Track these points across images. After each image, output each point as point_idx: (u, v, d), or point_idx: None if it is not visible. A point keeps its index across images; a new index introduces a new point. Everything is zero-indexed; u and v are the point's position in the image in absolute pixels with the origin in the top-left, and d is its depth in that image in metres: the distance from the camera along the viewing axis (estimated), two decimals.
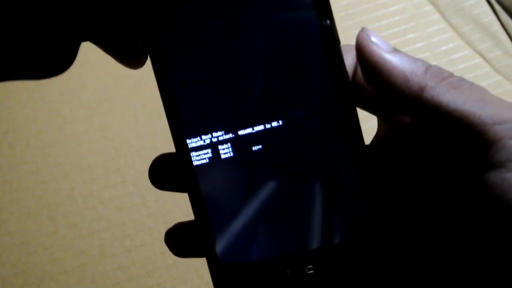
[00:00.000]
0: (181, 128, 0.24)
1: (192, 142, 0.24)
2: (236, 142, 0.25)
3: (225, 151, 0.25)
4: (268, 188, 0.25)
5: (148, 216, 0.46)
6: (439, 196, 0.22)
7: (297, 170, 0.25)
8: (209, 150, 0.25)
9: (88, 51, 0.46)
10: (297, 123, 0.25)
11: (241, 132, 0.25)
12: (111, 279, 0.44)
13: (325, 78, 0.24)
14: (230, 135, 0.25)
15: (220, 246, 0.25)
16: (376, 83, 0.21)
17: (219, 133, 0.24)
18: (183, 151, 0.24)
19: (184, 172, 0.25)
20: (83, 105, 0.46)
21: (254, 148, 0.25)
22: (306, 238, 0.25)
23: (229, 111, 0.24)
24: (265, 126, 0.25)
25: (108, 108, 0.46)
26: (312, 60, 0.24)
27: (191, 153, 0.24)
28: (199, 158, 0.25)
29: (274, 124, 0.25)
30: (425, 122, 0.21)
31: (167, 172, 0.25)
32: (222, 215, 0.25)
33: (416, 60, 0.20)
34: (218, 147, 0.25)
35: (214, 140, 0.24)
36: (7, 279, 0.44)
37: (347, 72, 0.23)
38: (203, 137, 0.24)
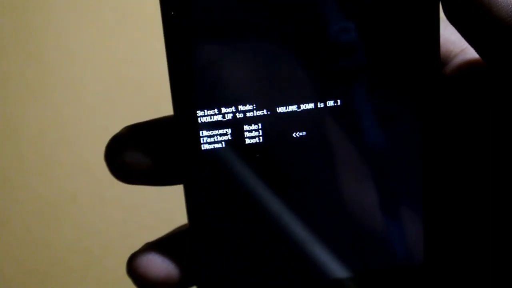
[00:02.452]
0: (190, 92, 0.16)
1: (205, 116, 0.16)
2: (271, 123, 0.17)
3: (253, 134, 0.17)
4: (309, 195, 0.17)
5: (149, 215, 0.46)
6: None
7: (352, 174, 0.18)
8: (228, 130, 0.16)
9: (90, 53, 0.44)
10: (365, 107, 0.17)
11: (280, 109, 0.16)
12: (114, 277, 0.46)
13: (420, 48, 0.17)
14: (264, 112, 0.16)
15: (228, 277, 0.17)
16: (467, 17, 0.16)
17: (248, 106, 0.16)
18: (187, 128, 0.16)
19: (184, 160, 0.16)
20: (85, 106, 0.46)
21: (296, 134, 0.17)
22: (359, 262, 0.18)
23: (268, 76, 0.16)
24: (316, 105, 0.16)
25: (110, 109, 0.47)
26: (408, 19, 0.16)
27: (200, 132, 0.16)
28: (212, 140, 0.16)
29: (330, 103, 0.17)
30: None
31: (147, 154, 0.17)
32: (237, 229, 0.17)
33: None
34: (243, 127, 0.16)
35: (239, 116, 0.16)
36: (11, 278, 0.44)
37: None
38: (223, 109, 0.16)
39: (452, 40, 0.19)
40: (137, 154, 0.17)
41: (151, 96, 0.46)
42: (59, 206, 0.45)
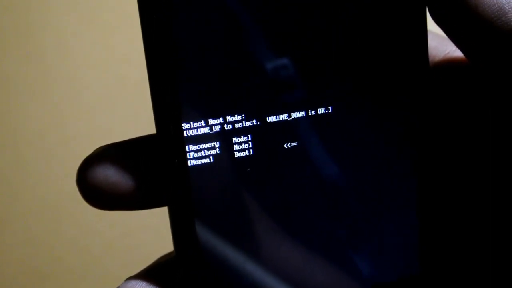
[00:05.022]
0: (173, 103, 0.15)
1: (191, 128, 0.15)
2: (261, 134, 0.16)
3: (242, 147, 0.16)
4: (304, 209, 0.17)
5: (149, 215, 0.42)
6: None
7: (346, 183, 0.17)
8: (216, 143, 0.16)
9: (90, 53, 0.44)
10: (357, 113, 0.17)
11: (270, 119, 0.16)
12: (113, 277, 0.44)
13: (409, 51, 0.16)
14: (253, 122, 0.16)
15: None
16: (454, 18, 0.16)
17: (237, 117, 0.16)
18: (172, 143, 0.15)
19: (168, 178, 0.15)
20: (85, 106, 0.46)
21: (287, 145, 0.16)
22: (356, 279, 0.17)
23: (256, 84, 0.16)
24: (307, 113, 0.16)
25: (110, 109, 0.46)
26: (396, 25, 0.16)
27: (186, 146, 0.15)
28: (199, 155, 0.15)
29: (321, 111, 0.16)
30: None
31: (124, 176, 0.16)
32: (227, 252, 0.16)
33: None
34: (232, 139, 0.16)
35: (227, 127, 0.16)
36: (11, 277, 0.44)
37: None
38: (210, 121, 0.15)
39: (434, 46, 0.18)
40: (113, 177, 0.15)
41: (151, 97, 0.45)
42: (59, 206, 0.45)
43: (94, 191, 0.15)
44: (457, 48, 0.17)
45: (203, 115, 0.15)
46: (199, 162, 0.15)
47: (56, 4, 0.43)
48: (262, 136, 0.16)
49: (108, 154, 0.16)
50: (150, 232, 0.45)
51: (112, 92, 0.46)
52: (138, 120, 0.46)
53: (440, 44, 0.18)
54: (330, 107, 0.16)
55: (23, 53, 0.43)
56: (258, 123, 0.16)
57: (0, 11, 0.42)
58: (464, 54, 0.17)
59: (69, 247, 0.45)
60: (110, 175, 0.15)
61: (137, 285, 0.16)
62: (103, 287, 0.46)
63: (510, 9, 0.15)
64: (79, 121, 0.46)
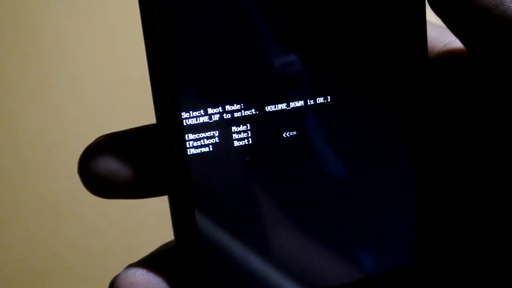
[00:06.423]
0: (173, 92, 0.15)
1: (191, 117, 0.15)
2: (260, 123, 0.16)
3: (241, 136, 0.16)
4: (303, 198, 0.17)
5: (149, 214, 0.45)
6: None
7: (345, 173, 0.17)
8: (215, 132, 0.16)
9: (90, 53, 0.44)
10: (355, 102, 0.17)
11: (269, 108, 0.16)
12: (113, 277, 0.45)
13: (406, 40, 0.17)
14: (252, 111, 0.16)
15: None
16: (452, 7, 0.16)
17: (236, 106, 0.16)
18: (171, 131, 0.15)
19: (168, 167, 0.15)
20: (86, 106, 0.46)
21: (286, 134, 0.16)
22: (353, 268, 0.17)
23: (255, 73, 0.16)
24: (306, 102, 0.16)
25: (110, 109, 0.46)
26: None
27: (186, 135, 0.15)
28: (198, 144, 0.16)
29: (320, 100, 0.16)
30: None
31: (124, 164, 0.16)
32: (226, 241, 0.16)
33: None
34: (231, 128, 0.16)
35: (227, 116, 0.16)
36: (11, 277, 0.44)
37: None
38: (210, 110, 0.15)
39: (434, 36, 0.18)
40: (113, 165, 0.15)
41: (151, 96, 0.45)
42: (59, 206, 0.45)
43: (95, 179, 0.16)
44: (456, 38, 0.17)
45: (203, 104, 0.15)
46: (198, 151, 0.15)
47: (56, 4, 0.43)
48: (261, 125, 0.16)
49: (108, 143, 0.16)
50: (150, 232, 0.45)
51: (112, 92, 0.46)
52: (138, 119, 0.46)
53: (439, 34, 0.18)
54: (329, 97, 0.16)
55: (23, 53, 0.43)
56: (257, 112, 0.16)
57: (0, 11, 0.42)
58: (463, 44, 0.17)
59: (69, 247, 0.45)
60: (111, 163, 0.16)
61: (137, 272, 0.16)
62: (103, 287, 0.46)
63: None
64: (79, 121, 0.46)
